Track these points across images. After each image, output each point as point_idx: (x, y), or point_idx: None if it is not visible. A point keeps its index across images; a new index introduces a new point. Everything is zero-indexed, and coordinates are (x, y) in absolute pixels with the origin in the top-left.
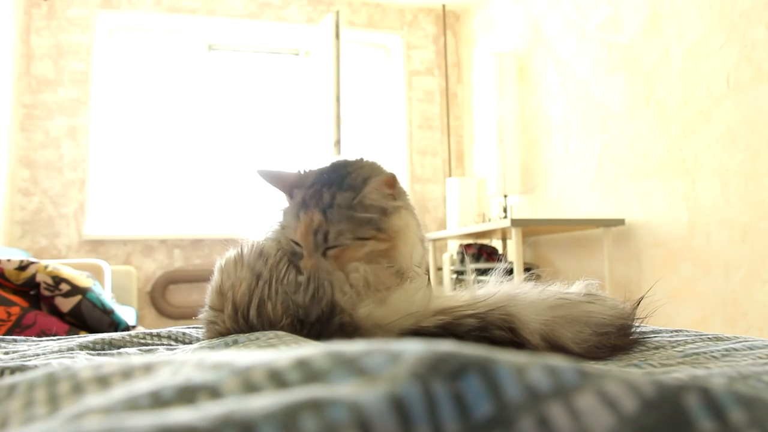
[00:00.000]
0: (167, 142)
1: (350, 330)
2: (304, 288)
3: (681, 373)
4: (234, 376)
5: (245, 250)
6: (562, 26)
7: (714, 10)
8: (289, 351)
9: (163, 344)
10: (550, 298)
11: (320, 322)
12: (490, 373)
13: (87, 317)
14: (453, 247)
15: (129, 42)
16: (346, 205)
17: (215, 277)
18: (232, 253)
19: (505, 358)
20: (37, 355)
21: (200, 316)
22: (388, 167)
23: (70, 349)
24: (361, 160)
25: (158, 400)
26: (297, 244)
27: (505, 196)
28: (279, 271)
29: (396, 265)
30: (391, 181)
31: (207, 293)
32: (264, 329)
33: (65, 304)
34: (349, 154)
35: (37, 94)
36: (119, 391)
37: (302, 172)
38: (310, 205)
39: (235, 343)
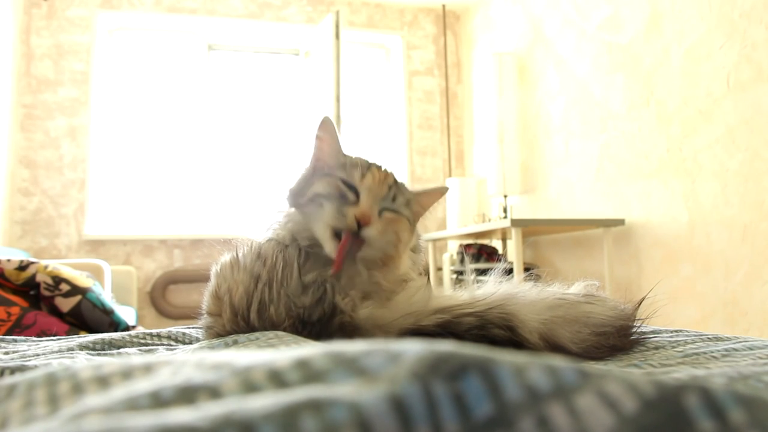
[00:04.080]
0: (167, 142)
1: (350, 330)
2: (313, 291)
3: (681, 374)
4: (234, 376)
5: (240, 254)
6: (562, 26)
7: (714, 10)
8: (289, 351)
9: (163, 344)
10: (549, 298)
11: (321, 322)
12: (490, 373)
13: (87, 317)
14: (453, 247)
15: (129, 42)
16: (404, 191)
17: (212, 282)
18: (227, 256)
19: (505, 358)
20: (37, 355)
21: (199, 322)
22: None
23: (70, 349)
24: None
25: (158, 400)
26: (350, 187)
27: (505, 196)
28: (279, 273)
29: (400, 270)
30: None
31: (204, 298)
32: (265, 330)
33: (65, 304)
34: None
35: (37, 94)
36: (119, 391)
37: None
38: (382, 168)
39: (235, 343)
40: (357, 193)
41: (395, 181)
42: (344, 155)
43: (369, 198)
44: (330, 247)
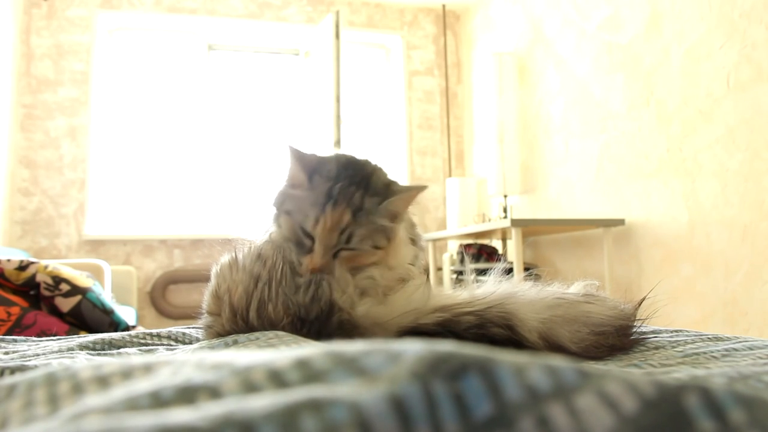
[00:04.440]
0: (167, 142)
1: (349, 328)
2: (304, 289)
3: (681, 373)
4: (234, 376)
5: (240, 254)
6: (562, 26)
7: (714, 10)
8: (289, 351)
9: (163, 344)
10: (548, 298)
11: (319, 320)
12: (490, 373)
13: (87, 317)
14: (453, 247)
15: (129, 42)
16: (372, 210)
17: (211, 282)
18: (227, 257)
19: (505, 358)
20: (37, 355)
21: (200, 322)
22: (386, 168)
23: (70, 349)
24: (368, 161)
25: (158, 400)
26: (307, 235)
27: (505, 196)
28: (277, 272)
29: (398, 269)
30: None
31: (204, 298)
32: (265, 330)
33: (65, 304)
34: (350, 152)
35: (37, 94)
36: (119, 391)
37: (319, 157)
38: (340, 201)
39: (235, 343)
40: (312, 239)
41: (354, 213)
42: (311, 183)
43: (321, 249)
44: (297, 270)
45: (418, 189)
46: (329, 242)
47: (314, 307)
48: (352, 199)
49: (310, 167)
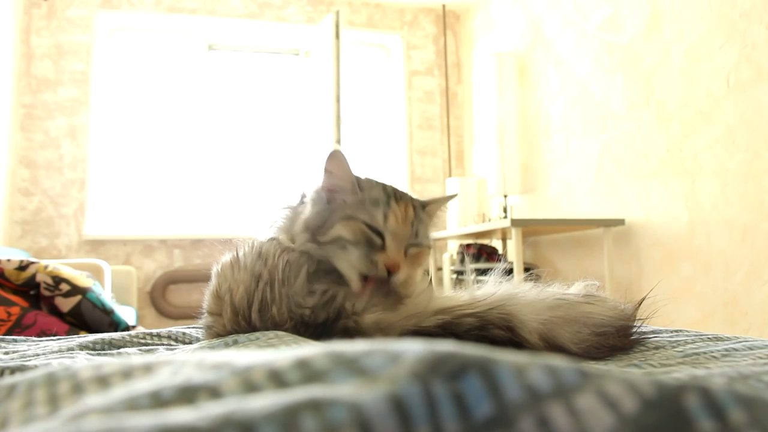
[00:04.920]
0: (167, 142)
1: (352, 333)
2: (321, 294)
3: (681, 373)
4: (234, 376)
5: (241, 253)
6: (562, 26)
7: (714, 10)
8: (289, 351)
9: (163, 344)
10: (548, 299)
11: (325, 325)
12: (490, 373)
13: (87, 317)
14: (453, 247)
15: (129, 42)
16: (421, 209)
17: (212, 282)
18: (228, 256)
19: (505, 358)
20: (37, 355)
21: (200, 322)
22: (386, 168)
23: (70, 349)
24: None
25: (158, 400)
26: (377, 233)
27: (505, 196)
28: (280, 273)
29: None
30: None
31: (205, 298)
32: (267, 330)
33: (65, 304)
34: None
35: (37, 94)
36: (119, 391)
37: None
38: (399, 196)
39: (235, 343)
40: (382, 236)
41: (414, 209)
42: (359, 188)
43: (395, 244)
44: (357, 286)
45: (451, 197)
46: (403, 235)
47: (322, 312)
48: (405, 196)
49: (353, 174)
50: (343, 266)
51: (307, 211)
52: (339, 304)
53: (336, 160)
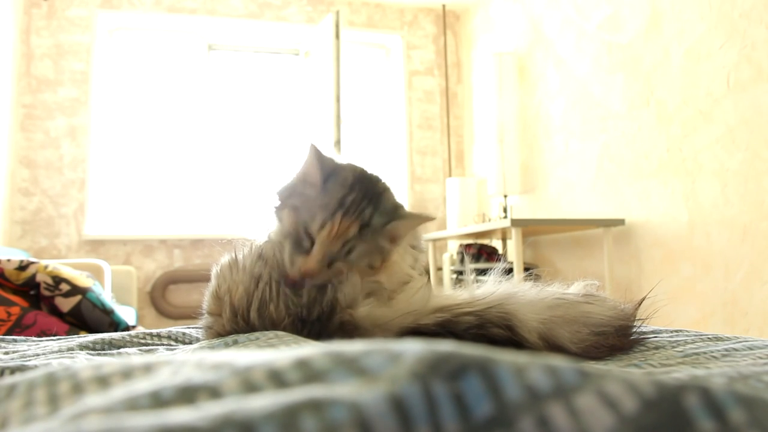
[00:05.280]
0: (167, 142)
1: (350, 329)
2: (307, 289)
3: (681, 373)
4: (234, 376)
5: (240, 255)
6: (562, 26)
7: (714, 10)
8: (289, 351)
9: (163, 344)
10: (548, 298)
11: (320, 320)
12: (490, 373)
13: (87, 317)
14: (453, 247)
15: (129, 42)
16: (377, 230)
17: (212, 283)
18: (227, 257)
19: (505, 358)
20: (37, 355)
21: (200, 322)
22: (386, 168)
23: (70, 349)
24: (379, 178)
25: (158, 400)
26: (308, 236)
27: (505, 196)
28: (276, 272)
29: (397, 271)
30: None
31: (204, 299)
32: (266, 329)
33: (65, 304)
34: (363, 163)
35: (37, 94)
36: (119, 391)
37: (335, 162)
38: (351, 212)
39: (235, 343)
40: (312, 242)
41: (361, 228)
42: (324, 186)
43: (319, 253)
44: (288, 269)
45: (424, 218)
46: (330, 249)
47: (316, 307)
48: (363, 213)
49: (326, 170)
50: (284, 248)
51: (287, 181)
52: (330, 296)
53: (309, 153)
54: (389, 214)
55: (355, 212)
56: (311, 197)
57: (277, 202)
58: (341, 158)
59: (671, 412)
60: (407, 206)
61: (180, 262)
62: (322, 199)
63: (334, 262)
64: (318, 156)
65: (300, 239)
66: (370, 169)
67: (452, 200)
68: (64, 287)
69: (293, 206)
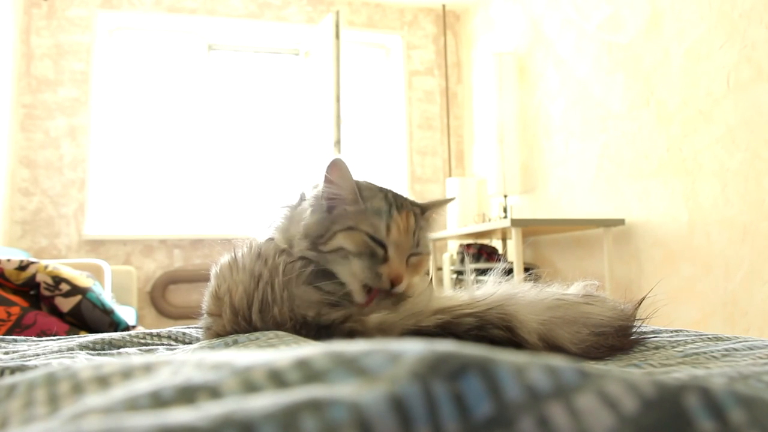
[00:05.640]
0: (167, 142)
1: (356, 333)
2: (326, 296)
3: (681, 373)
4: (234, 376)
5: (239, 254)
6: (562, 26)
7: (714, 10)
8: (289, 351)
9: (163, 344)
10: (548, 299)
11: (329, 327)
12: (490, 373)
13: (87, 317)
14: (453, 247)
15: (129, 42)
16: (421, 217)
17: (211, 283)
18: (226, 257)
19: (505, 358)
20: (37, 355)
21: (200, 323)
22: (386, 169)
23: (70, 349)
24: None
25: (158, 400)
26: (380, 244)
27: (505, 196)
28: (281, 274)
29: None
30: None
31: (204, 300)
32: (267, 330)
33: (65, 304)
34: (361, 172)
35: (37, 94)
36: (119, 391)
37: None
38: (403, 205)
39: (235, 343)
40: (385, 248)
41: (415, 217)
42: (361, 197)
43: (398, 255)
44: (360, 298)
45: (448, 200)
46: (406, 245)
47: (331, 314)
48: (407, 204)
49: (355, 183)
50: (346, 276)
51: (307, 217)
52: (347, 308)
53: (337, 168)
54: (416, 204)
55: (402, 205)
56: (359, 211)
57: (311, 240)
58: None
59: (671, 412)
60: None
61: (180, 262)
62: (371, 208)
63: (408, 259)
64: (347, 172)
65: (373, 251)
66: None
67: (450, 203)
68: (64, 287)
69: (347, 227)
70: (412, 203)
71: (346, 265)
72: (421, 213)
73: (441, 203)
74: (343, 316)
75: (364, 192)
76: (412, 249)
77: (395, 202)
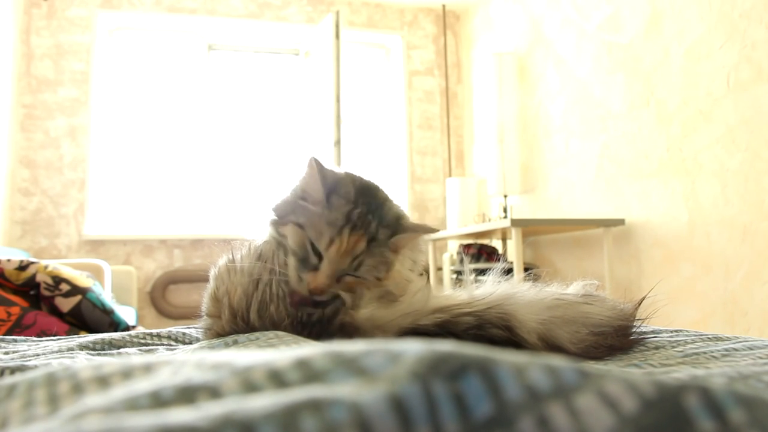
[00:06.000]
0: (167, 142)
1: (350, 330)
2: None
3: (681, 373)
4: (234, 376)
5: (238, 255)
6: (562, 26)
7: (714, 10)
8: (289, 351)
9: (163, 344)
10: (547, 298)
11: (321, 322)
12: (490, 373)
13: (87, 317)
14: (453, 247)
15: (129, 42)
16: (383, 242)
17: (210, 285)
18: (224, 259)
19: (505, 358)
20: (37, 355)
21: (199, 324)
22: (386, 168)
23: (70, 349)
24: (378, 186)
25: (158, 400)
26: (317, 253)
27: (505, 196)
28: (277, 273)
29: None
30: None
31: (203, 301)
32: (266, 330)
33: (65, 304)
34: (360, 170)
35: (37, 94)
36: (119, 391)
37: (337, 176)
38: (359, 227)
39: (235, 343)
40: (320, 258)
41: (368, 242)
42: (328, 201)
43: (330, 269)
44: (296, 285)
45: (427, 230)
46: (339, 266)
47: (316, 311)
48: (369, 227)
49: (329, 185)
50: (288, 266)
51: (284, 195)
52: (335, 304)
53: (310, 167)
54: (393, 225)
55: (361, 227)
56: (316, 213)
57: (272, 216)
58: (338, 168)
59: (671, 412)
60: (407, 207)
61: (180, 262)
62: (328, 216)
63: (342, 277)
64: (320, 171)
65: (306, 256)
66: (366, 177)
67: (452, 200)
68: (64, 287)
69: (297, 223)
70: (385, 224)
71: (287, 256)
72: (386, 238)
73: (412, 233)
74: (332, 310)
75: (334, 198)
76: (348, 270)
77: (356, 220)
